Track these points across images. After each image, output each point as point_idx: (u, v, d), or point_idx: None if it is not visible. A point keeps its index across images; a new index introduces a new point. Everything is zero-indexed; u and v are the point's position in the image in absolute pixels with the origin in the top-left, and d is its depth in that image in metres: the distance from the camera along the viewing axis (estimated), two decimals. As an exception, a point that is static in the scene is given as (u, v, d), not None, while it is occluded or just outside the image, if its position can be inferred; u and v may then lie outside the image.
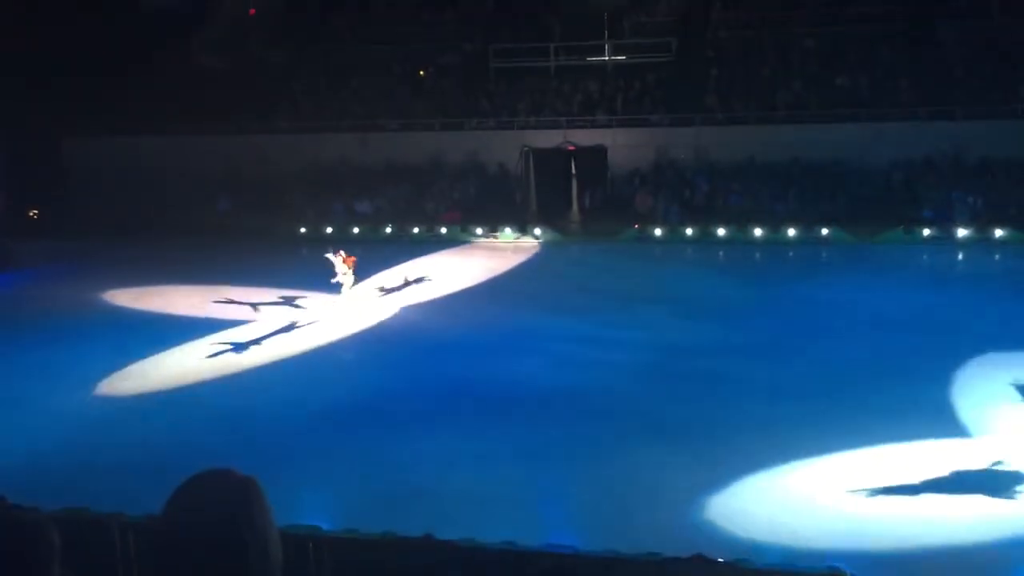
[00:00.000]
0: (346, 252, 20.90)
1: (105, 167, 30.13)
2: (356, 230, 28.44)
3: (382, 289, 22.41)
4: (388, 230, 28.30)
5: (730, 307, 19.76)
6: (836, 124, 27.52)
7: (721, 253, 25.71)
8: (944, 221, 25.21)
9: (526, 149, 29.46)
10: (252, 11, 35.49)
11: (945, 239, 24.83)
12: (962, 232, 24.86)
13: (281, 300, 21.23)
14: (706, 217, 26.73)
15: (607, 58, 31.60)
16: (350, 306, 20.52)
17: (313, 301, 20.89)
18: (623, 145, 29.10)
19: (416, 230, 28.11)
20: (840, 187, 26.83)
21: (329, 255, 20.81)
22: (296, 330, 19.24)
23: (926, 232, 25.13)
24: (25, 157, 29.10)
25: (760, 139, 27.90)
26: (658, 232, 26.68)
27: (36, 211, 30.58)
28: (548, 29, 32.47)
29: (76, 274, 24.25)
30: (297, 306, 20.82)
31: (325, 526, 9.90)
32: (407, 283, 22.96)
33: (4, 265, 24.68)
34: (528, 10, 32.97)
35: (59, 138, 31.89)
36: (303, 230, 28.70)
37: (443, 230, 28.00)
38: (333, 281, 20.44)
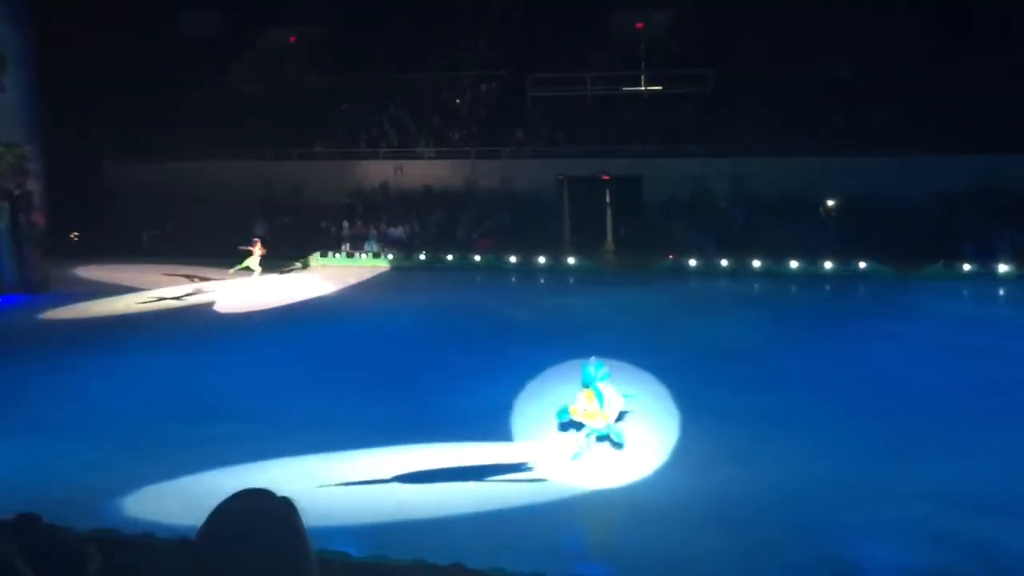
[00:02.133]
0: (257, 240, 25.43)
1: (145, 191, 30.58)
2: (390, 256, 28.58)
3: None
4: (422, 256, 28.38)
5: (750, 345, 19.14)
6: (874, 157, 27.30)
7: (756, 286, 25.46)
8: (985, 256, 24.83)
9: (561, 178, 29.49)
10: (292, 38, 36.04)
11: (985, 275, 24.46)
12: (1003, 268, 24.47)
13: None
14: (742, 249, 26.53)
15: (643, 88, 31.65)
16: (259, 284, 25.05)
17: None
18: (658, 175, 29.04)
19: (450, 257, 28.17)
20: (879, 220, 26.54)
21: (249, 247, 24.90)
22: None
23: (966, 267, 24.77)
24: (68, 180, 29.59)
25: (797, 171, 27.70)
26: (693, 263, 26.50)
27: (77, 233, 31.03)
28: (584, 58, 32.63)
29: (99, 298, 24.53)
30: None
31: (353, 552, 9.83)
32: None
33: (40, 287, 24.97)
34: (565, 40, 33.18)
35: (101, 161, 32.42)
36: (337, 255, 28.93)
37: (476, 257, 28.03)
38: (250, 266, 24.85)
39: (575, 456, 12.89)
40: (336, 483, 12.38)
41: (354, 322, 21.83)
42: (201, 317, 22.71)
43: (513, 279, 26.92)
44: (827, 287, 24.83)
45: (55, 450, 13.77)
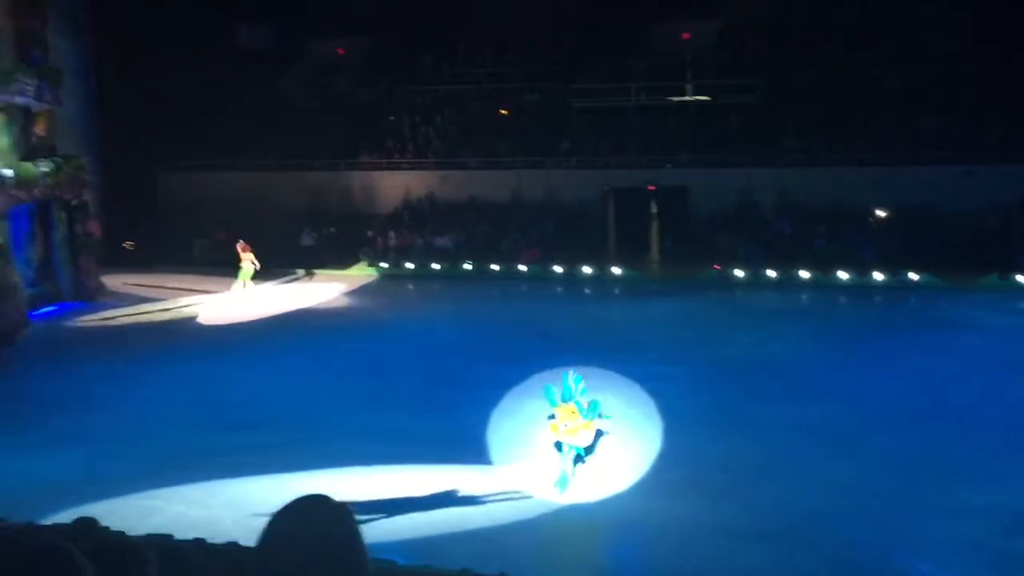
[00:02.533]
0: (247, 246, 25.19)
1: (198, 200, 31.12)
2: (436, 266, 28.75)
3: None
4: (468, 266, 28.50)
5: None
6: (925, 166, 26.89)
7: (804, 297, 25.18)
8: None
9: (607, 188, 29.46)
10: (340, 51, 36.48)
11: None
12: (1059, 280, 23.98)
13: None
14: (790, 260, 26.25)
15: (689, 98, 31.50)
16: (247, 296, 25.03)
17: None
18: (705, 186, 28.89)
19: (495, 267, 28.24)
20: (930, 231, 26.11)
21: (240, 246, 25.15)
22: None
23: (1021, 279, 24.26)
24: (123, 190, 30.21)
25: (846, 181, 27.40)
26: (739, 274, 26.29)
27: (131, 243, 31.61)
28: (630, 69, 32.58)
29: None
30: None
31: (399, 560, 9.89)
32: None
33: (95, 295, 25.53)
34: (611, 50, 33.16)
35: (155, 171, 33.03)
36: (384, 265, 29.15)
37: (522, 267, 28.07)
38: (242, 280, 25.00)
39: (561, 485, 12.16)
40: (381, 492, 12.44)
41: (396, 332, 21.82)
42: (232, 325, 22.97)
43: (559, 289, 26.93)
44: (877, 299, 24.48)
45: (100, 457, 13.92)
